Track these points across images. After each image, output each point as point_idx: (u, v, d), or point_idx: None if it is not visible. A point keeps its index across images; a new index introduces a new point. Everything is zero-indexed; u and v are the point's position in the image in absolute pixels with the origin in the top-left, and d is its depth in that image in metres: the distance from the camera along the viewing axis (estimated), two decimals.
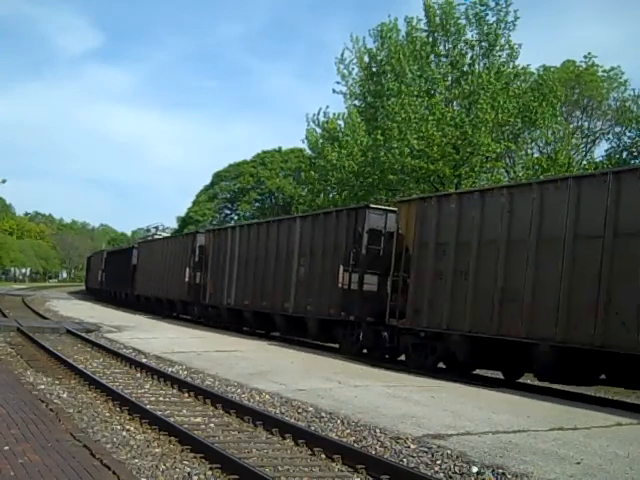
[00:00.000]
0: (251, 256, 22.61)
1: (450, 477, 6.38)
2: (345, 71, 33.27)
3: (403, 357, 15.72)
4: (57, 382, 11.10)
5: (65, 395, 9.91)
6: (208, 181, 70.89)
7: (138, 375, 12.42)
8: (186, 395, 10.40)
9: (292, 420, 8.56)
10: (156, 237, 41.95)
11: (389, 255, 15.80)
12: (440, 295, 14.04)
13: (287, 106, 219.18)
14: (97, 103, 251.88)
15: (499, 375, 14.75)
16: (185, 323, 27.28)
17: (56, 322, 22.92)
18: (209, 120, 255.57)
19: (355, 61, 33.25)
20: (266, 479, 5.91)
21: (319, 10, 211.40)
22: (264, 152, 65.61)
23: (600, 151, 43.09)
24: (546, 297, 11.71)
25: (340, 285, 17.38)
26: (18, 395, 8.94)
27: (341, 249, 17.69)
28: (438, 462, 6.74)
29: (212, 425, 8.40)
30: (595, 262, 10.92)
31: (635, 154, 33.59)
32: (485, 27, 29.53)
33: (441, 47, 31.07)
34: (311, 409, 9.14)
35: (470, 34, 30.16)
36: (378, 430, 7.90)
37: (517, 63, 29.64)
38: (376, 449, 7.25)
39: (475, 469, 6.45)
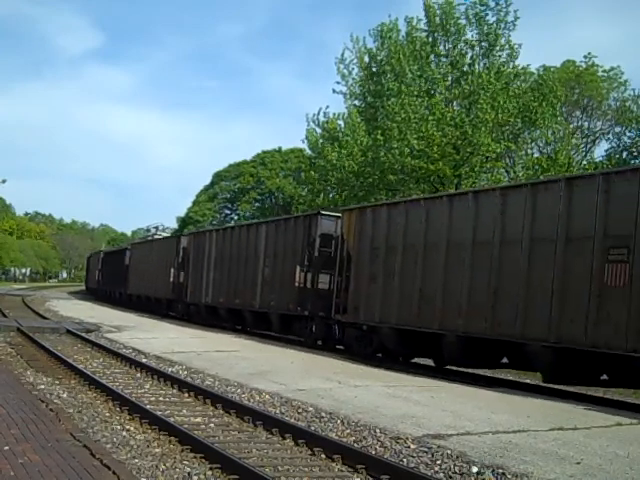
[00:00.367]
0: (225, 257, 24.65)
1: (450, 477, 6.38)
2: (345, 71, 33.29)
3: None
4: (57, 382, 11.10)
5: (65, 395, 9.91)
6: (208, 181, 70.99)
7: (138, 375, 12.42)
8: (186, 395, 10.40)
9: (292, 420, 8.56)
10: (151, 238, 42.87)
11: (327, 256, 18.10)
12: (374, 293, 16.03)
13: (287, 106, 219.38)
14: (97, 103, 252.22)
15: (499, 375, 14.75)
16: (185, 323, 27.27)
17: (56, 322, 22.93)
18: (209, 120, 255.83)
19: (355, 61, 33.27)
20: (266, 479, 5.91)
21: (319, 10, 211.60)
22: (264, 152, 65.62)
23: (600, 151, 43.11)
24: (453, 295, 13.78)
25: (297, 284, 19.33)
26: (18, 395, 8.95)
27: (298, 251, 19.70)
28: (438, 462, 6.74)
29: (212, 425, 8.40)
30: (487, 265, 13.02)
31: (635, 154, 33.59)
32: (485, 27, 29.53)
33: (441, 47, 31.07)
34: (311, 409, 9.14)
35: (470, 34, 30.21)
36: (378, 430, 7.90)
37: (517, 63, 29.69)
38: (376, 449, 7.25)
39: (475, 469, 6.45)
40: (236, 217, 65.47)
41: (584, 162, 34.10)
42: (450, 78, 30.63)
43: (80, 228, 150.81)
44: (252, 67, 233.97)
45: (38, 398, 8.99)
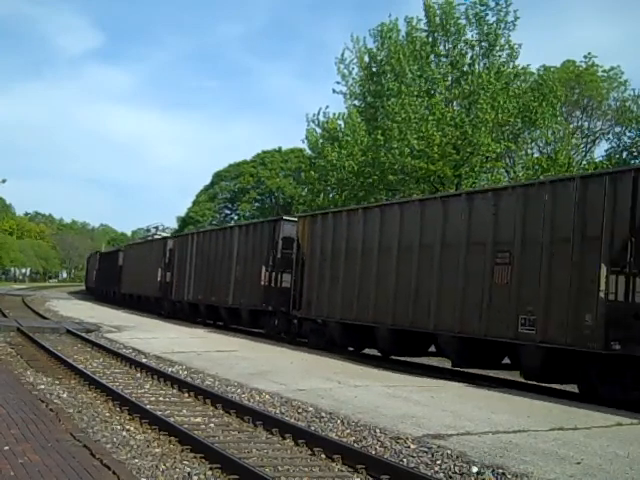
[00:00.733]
0: (204, 259, 26.81)
1: (450, 477, 6.38)
2: (345, 71, 33.25)
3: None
4: (57, 382, 11.10)
5: (65, 395, 9.91)
6: (208, 181, 71.03)
7: (138, 375, 12.42)
8: (186, 395, 10.40)
9: (292, 420, 8.56)
10: (143, 239, 44.08)
11: (288, 257, 20.19)
12: (323, 292, 18.05)
13: (287, 106, 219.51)
14: (97, 103, 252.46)
15: (499, 375, 14.74)
16: (185, 323, 27.27)
17: (56, 322, 22.93)
18: (209, 120, 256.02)
19: (355, 61, 33.24)
20: (266, 479, 5.91)
21: (319, 10, 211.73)
22: (264, 152, 65.63)
23: (600, 151, 43.13)
24: (384, 294, 15.71)
25: (262, 282, 21.51)
26: (18, 395, 8.95)
27: (264, 253, 21.84)
28: (438, 462, 6.74)
29: (212, 425, 8.40)
30: (409, 269, 15.11)
31: (635, 154, 33.59)
32: (485, 27, 29.51)
33: (441, 47, 31.05)
34: (311, 409, 9.14)
35: (470, 34, 30.17)
36: (378, 430, 7.90)
37: (517, 63, 29.65)
38: (376, 449, 7.25)
39: (475, 469, 6.45)
40: (236, 217, 65.47)
41: (584, 162, 34.10)
42: (450, 78, 30.61)
43: (80, 228, 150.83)
44: (252, 67, 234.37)
45: (38, 398, 8.99)
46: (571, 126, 37.53)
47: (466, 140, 27.20)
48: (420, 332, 14.81)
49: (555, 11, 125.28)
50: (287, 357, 15.95)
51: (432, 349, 15.77)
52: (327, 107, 40.54)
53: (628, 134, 35.03)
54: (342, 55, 33.00)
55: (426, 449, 7.12)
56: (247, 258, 23.06)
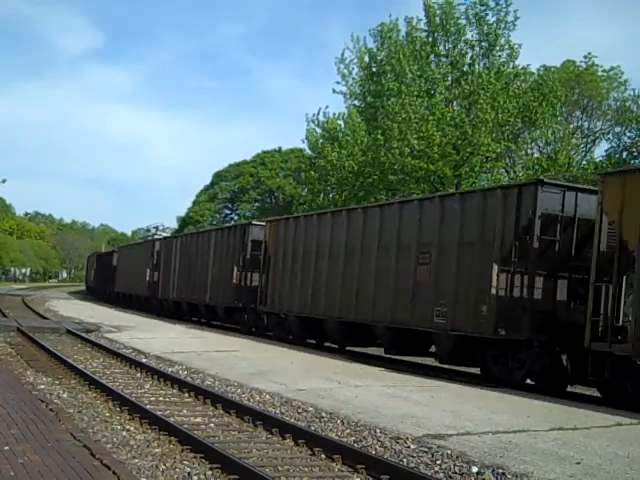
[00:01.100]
0: (186, 260, 28.92)
1: (450, 477, 6.38)
2: (345, 71, 33.28)
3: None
4: (57, 382, 11.10)
5: (65, 395, 9.91)
6: (208, 181, 71.00)
7: (138, 375, 12.42)
8: (186, 395, 10.40)
9: (292, 420, 8.56)
10: (134, 241, 45.25)
11: (256, 258, 22.31)
12: (284, 289, 20.04)
13: (287, 106, 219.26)
14: (97, 103, 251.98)
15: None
16: (185, 323, 27.30)
17: (56, 322, 22.93)
18: (209, 120, 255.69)
19: (355, 61, 33.26)
20: (266, 479, 5.91)
21: (319, 10, 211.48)
22: (264, 152, 65.62)
23: (600, 151, 43.09)
24: (332, 291, 17.79)
25: (234, 281, 23.53)
26: (18, 395, 8.94)
27: (235, 255, 23.89)
28: (438, 462, 6.74)
29: (212, 425, 8.40)
30: (352, 269, 17.09)
31: (635, 154, 33.58)
32: (485, 27, 29.52)
33: (441, 47, 31.06)
34: (311, 409, 9.14)
35: (470, 34, 30.20)
36: (378, 430, 7.90)
37: (517, 63, 29.68)
38: (376, 449, 7.25)
39: (475, 469, 6.45)
40: (236, 217, 65.46)
41: (584, 162, 34.10)
42: (450, 78, 30.62)
43: (80, 228, 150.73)
44: (252, 67, 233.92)
45: (38, 398, 8.99)
46: (571, 126, 37.52)
47: (466, 140, 27.21)
48: (361, 324, 16.81)
49: (555, 11, 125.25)
50: (287, 357, 15.95)
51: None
52: (327, 107, 40.59)
53: (628, 134, 35.01)
54: (342, 55, 33.07)
55: (426, 449, 7.12)
56: (222, 259, 25.03)
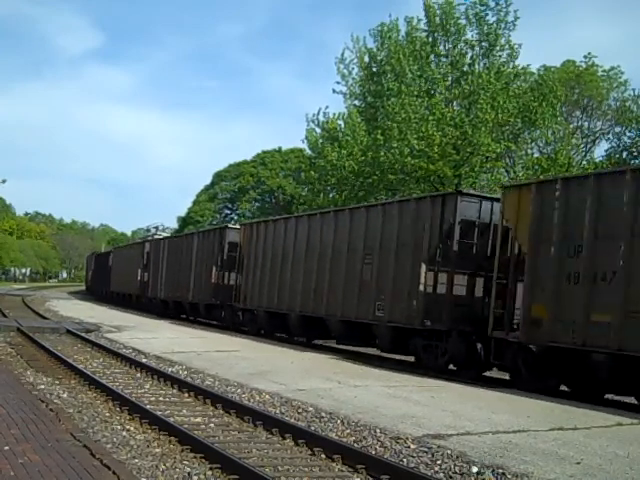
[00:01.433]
0: (172, 260, 30.87)
1: (450, 477, 6.38)
2: (345, 71, 33.25)
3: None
4: (57, 382, 11.10)
5: (65, 395, 9.91)
6: (208, 181, 70.92)
7: (138, 375, 12.42)
8: (186, 395, 10.40)
9: (292, 420, 8.56)
10: (131, 242, 46.44)
11: (233, 259, 24.10)
12: (254, 287, 22.11)
13: (287, 106, 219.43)
14: (97, 103, 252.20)
15: (499, 376, 14.74)
16: (185, 323, 27.32)
17: (56, 322, 22.93)
18: (209, 120, 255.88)
19: (355, 61, 33.23)
20: (266, 479, 5.91)
21: (319, 10, 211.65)
22: (264, 152, 65.57)
23: (600, 151, 43.09)
24: (295, 288, 19.69)
25: (213, 280, 25.41)
26: (18, 395, 8.94)
27: (214, 256, 25.80)
28: (438, 462, 6.74)
29: (212, 425, 8.40)
30: (311, 269, 18.98)
31: (635, 154, 33.56)
32: (485, 27, 29.50)
33: (441, 47, 31.04)
34: (311, 409, 9.14)
35: (470, 34, 30.16)
36: (378, 430, 7.90)
37: (517, 63, 29.63)
38: (376, 449, 7.25)
39: (475, 469, 6.45)
40: (236, 217, 65.43)
41: (584, 162, 34.08)
42: (450, 78, 30.60)
43: (80, 228, 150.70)
44: (252, 67, 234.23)
45: (38, 398, 8.99)
46: (571, 126, 37.51)
47: (466, 140, 27.19)
48: (318, 317, 18.61)
49: (555, 11, 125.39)
50: (287, 357, 15.95)
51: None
52: (327, 107, 40.67)
53: (628, 134, 34.98)
54: (342, 55, 33.04)
55: (426, 449, 7.12)
56: (203, 260, 26.96)
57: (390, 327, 15.76)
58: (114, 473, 5.54)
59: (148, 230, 52.53)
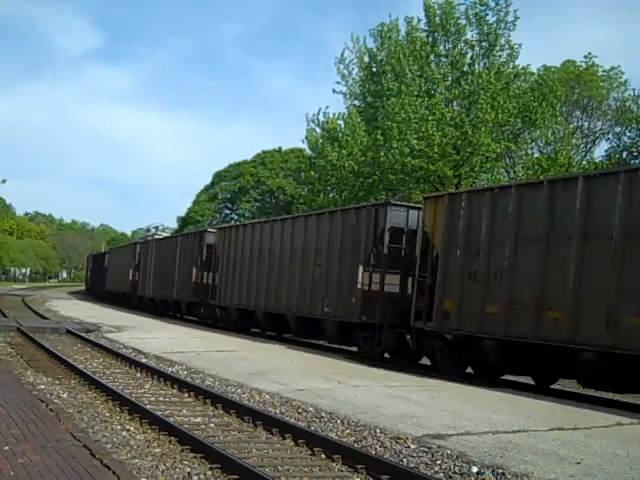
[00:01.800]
0: (159, 261, 33.07)
1: (450, 477, 6.38)
2: (345, 71, 33.26)
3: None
4: (57, 382, 11.10)
5: (65, 395, 9.90)
6: (208, 181, 70.95)
7: (138, 375, 12.42)
8: (186, 395, 10.40)
9: (292, 420, 8.56)
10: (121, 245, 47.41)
11: (210, 260, 26.32)
12: (227, 285, 24.35)
13: (287, 106, 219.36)
14: (97, 103, 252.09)
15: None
16: (185, 323, 27.32)
17: (56, 322, 22.92)
18: (209, 120, 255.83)
19: (355, 61, 33.24)
20: (266, 479, 5.91)
21: (319, 10, 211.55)
22: (264, 152, 65.57)
23: (600, 151, 43.09)
24: (260, 286, 21.83)
25: (194, 280, 27.48)
26: (18, 395, 8.94)
27: (194, 257, 27.95)
28: (438, 462, 6.74)
29: (212, 425, 8.40)
30: (274, 268, 21.08)
31: (635, 154, 33.56)
32: (485, 27, 29.50)
33: (441, 47, 31.03)
34: (311, 409, 9.14)
35: (470, 34, 30.16)
36: (378, 430, 7.89)
37: (517, 63, 29.64)
38: (376, 449, 7.25)
39: (475, 469, 6.44)
40: (236, 217, 65.44)
41: (584, 162, 34.09)
42: (450, 78, 30.60)
43: (80, 228, 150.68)
44: (252, 67, 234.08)
45: (38, 398, 8.98)
46: (571, 126, 37.53)
47: (466, 140, 27.20)
48: (279, 313, 20.69)
49: (555, 11, 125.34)
50: (287, 357, 15.95)
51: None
52: (327, 107, 40.54)
53: (628, 134, 34.97)
54: (342, 55, 33.05)
55: (426, 449, 7.12)
56: (184, 261, 29.10)
57: (336, 321, 17.81)
58: (114, 473, 5.54)
59: (148, 230, 52.53)
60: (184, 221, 70.17)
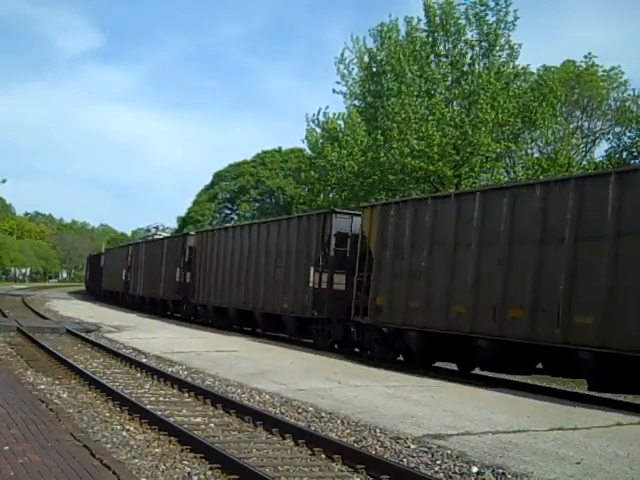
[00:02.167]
0: (148, 262, 35.22)
1: (450, 477, 6.38)
2: (345, 71, 33.21)
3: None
4: (57, 382, 11.10)
5: (65, 395, 9.91)
6: (208, 181, 70.97)
7: (138, 375, 12.42)
8: (186, 395, 10.40)
9: (292, 420, 8.56)
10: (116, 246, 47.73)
11: (192, 261, 28.19)
12: (206, 284, 26.48)
13: (287, 106, 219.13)
14: (97, 103, 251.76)
15: (499, 376, 14.76)
16: (185, 323, 27.32)
17: (56, 322, 22.93)
18: (209, 120, 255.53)
19: (355, 61, 33.20)
20: (266, 479, 5.91)
21: (319, 10, 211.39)
22: (264, 152, 65.58)
23: (600, 151, 43.03)
24: (232, 285, 24.06)
25: (177, 279, 29.44)
26: (18, 395, 8.95)
27: (178, 258, 29.84)
28: (438, 462, 6.74)
29: (212, 425, 8.40)
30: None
31: (635, 154, 33.57)
32: (485, 27, 29.47)
33: (441, 47, 31.00)
34: (311, 409, 9.14)
35: (470, 34, 30.10)
36: (378, 430, 7.90)
37: (517, 63, 29.58)
38: (376, 449, 7.25)
39: (475, 469, 6.44)
40: (236, 217, 65.45)
41: (584, 162, 34.09)
42: (450, 78, 30.57)
43: (80, 228, 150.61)
44: (252, 67, 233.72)
45: (38, 398, 8.99)
46: (571, 126, 37.52)
47: (466, 140, 27.19)
48: (248, 311, 22.79)
49: (555, 11, 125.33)
50: (287, 357, 15.95)
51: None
52: (327, 107, 40.42)
53: (628, 134, 35.00)
54: (342, 55, 33.00)
55: (426, 449, 7.12)
56: (170, 262, 31.09)
57: (293, 317, 20.02)
58: (114, 473, 5.54)
59: (148, 230, 52.59)
60: (184, 221, 70.18)
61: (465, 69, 30.02)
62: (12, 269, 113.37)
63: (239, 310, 23.57)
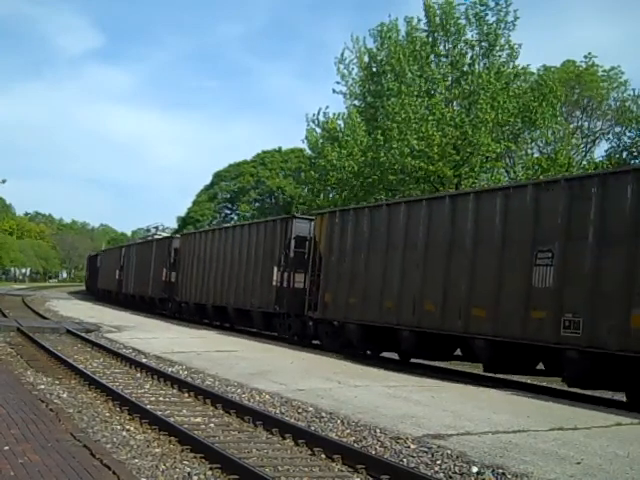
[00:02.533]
0: (138, 263, 37.29)
1: (450, 477, 6.37)
2: (345, 71, 33.27)
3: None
4: (57, 382, 11.09)
5: (65, 395, 9.90)
6: (208, 181, 71.02)
7: (138, 375, 12.42)
8: (186, 395, 10.40)
9: (292, 420, 8.56)
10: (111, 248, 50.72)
11: (176, 262, 30.34)
12: (187, 283, 28.82)
13: (287, 106, 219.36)
14: (97, 103, 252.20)
15: (499, 376, 14.75)
16: (185, 323, 27.31)
17: (56, 322, 22.92)
18: (209, 120, 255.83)
19: (355, 61, 33.24)
20: (266, 479, 5.90)
21: (319, 10, 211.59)
22: (264, 152, 65.59)
23: (600, 151, 43.09)
24: (209, 284, 26.18)
25: (164, 279, 31.37)
26: (18, 395, 8.94)
27: (164, 258, 31.91)
28: (438, 462, 6.73)
29: (212, 425, 8.40)
30: (221, 269, 25.38)
31: (635, 154, 33.58)
32: (485, 27, 29.51)
33: (441, 47, 31.04)
34: (311, 409, 9.14)
35: (470, 34, 30.17)
36: (378, 430, 7.89)
37: (517, 63, 29.66)
38: (376, 449, 7.24)
39: (475, 469, 6.44)
40: (236, 217, 65.44)
41: (584, 162, 34.09)
42: (450, 78, 30.60)
43: (80, 228, 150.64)
44: (252, 67, 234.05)
45: (38, 398, 8.98)
46: (571, 126, 37.53)
47: (466, 140, 27.20)
48: (224, 307, 24.89)
49: (555, 11, 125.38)
50: (287, 357, 15.95)
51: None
52: (327, 107, 40.50)
53: (628, 134, 35.03)
54: (342, 55, 33.05)
55: (426, 449, 7.11)
56: (157, 262, 33.09)
57: (260, 312, 22.05)
58: (114, 473, 5.54)
59: (148, 230, 52.51)
60: (184, 221, 70.17)
61: (465, 69, 30.05)
62: (12, 269, 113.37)
63: (215, 306, 25.74)
